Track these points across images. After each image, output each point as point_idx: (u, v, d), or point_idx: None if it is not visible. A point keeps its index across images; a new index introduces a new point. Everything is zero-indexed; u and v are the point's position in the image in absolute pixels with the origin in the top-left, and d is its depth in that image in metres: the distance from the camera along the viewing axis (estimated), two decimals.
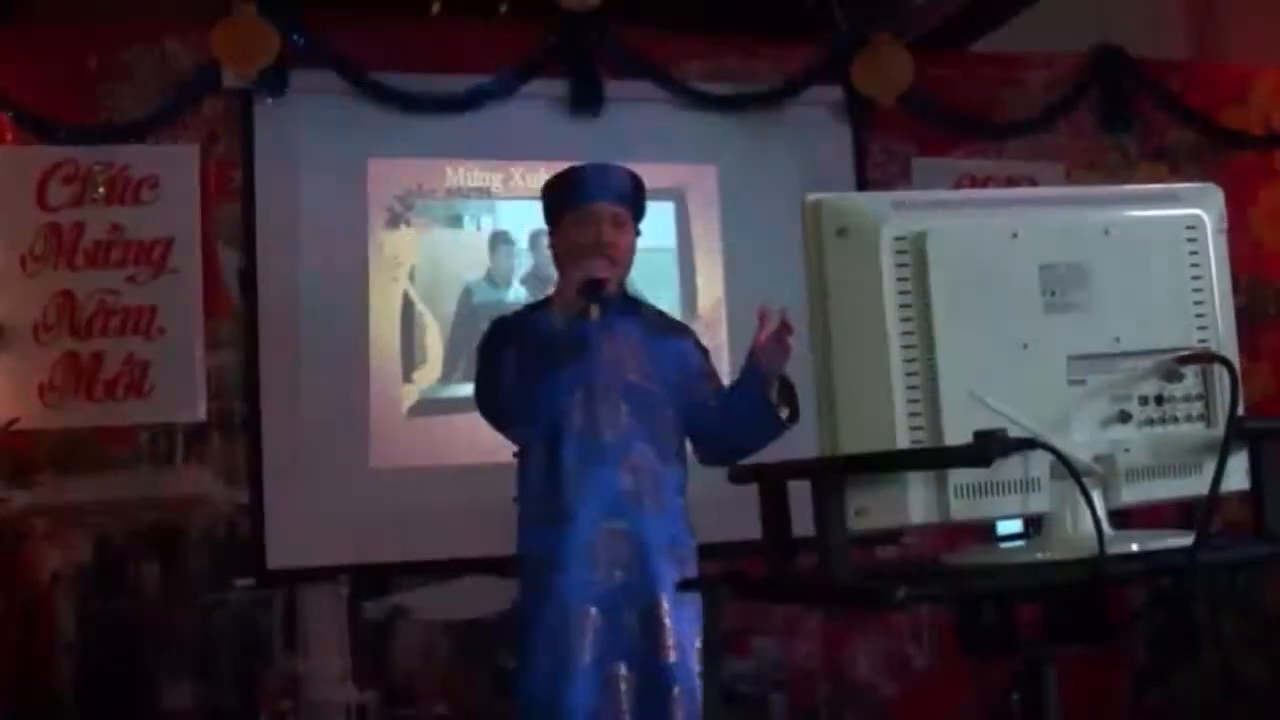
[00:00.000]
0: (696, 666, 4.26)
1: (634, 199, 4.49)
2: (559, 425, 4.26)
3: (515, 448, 4.43)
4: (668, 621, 4.18)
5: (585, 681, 4.12)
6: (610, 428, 4.27)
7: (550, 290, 4.57)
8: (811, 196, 2.28)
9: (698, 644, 4.29)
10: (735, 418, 4.33)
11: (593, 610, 4.16)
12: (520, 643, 4.29)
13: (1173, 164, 7.96)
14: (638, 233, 4.52)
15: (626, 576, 4.20)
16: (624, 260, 4.42)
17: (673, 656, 4.17)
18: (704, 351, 4.63)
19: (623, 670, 4.16)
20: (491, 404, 4.36)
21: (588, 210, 4.37)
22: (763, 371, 4.18)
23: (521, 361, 4.21)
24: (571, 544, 4.19)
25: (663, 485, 4.33)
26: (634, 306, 4.55)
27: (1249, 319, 7.52)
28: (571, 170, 4.51)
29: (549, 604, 4.20)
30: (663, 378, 4.39)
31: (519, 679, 4.28)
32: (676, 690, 4.17)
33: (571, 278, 4.25)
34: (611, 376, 4.32)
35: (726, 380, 4.60)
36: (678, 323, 4.81)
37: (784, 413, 4.23)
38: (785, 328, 4.05)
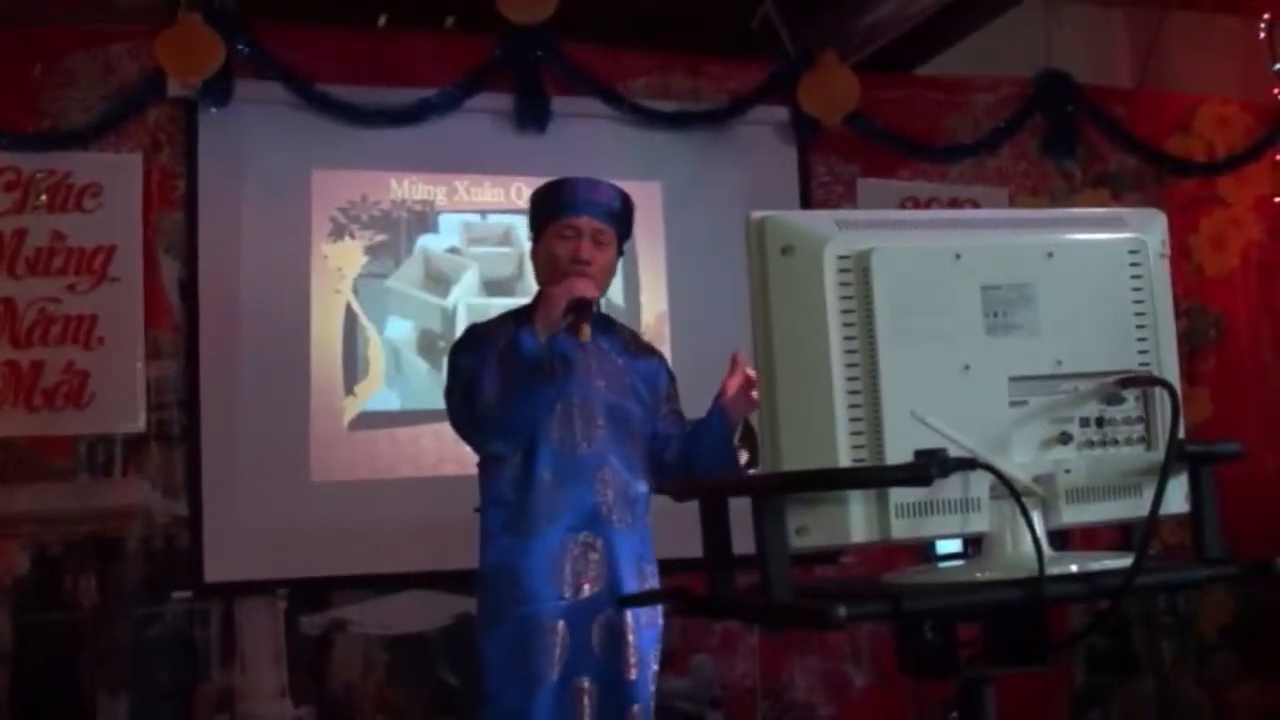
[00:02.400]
0: (652, 686, 4.29)
1: (620, 217, 4.47)
2: (535, 438, 4.24)
3: (470, 460, 4.42)
4: (632, 638, 4.19)
5: (552, 696, 4.11)
6: (586, 442, 4.27)
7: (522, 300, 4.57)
8: (756, 214, 2.28)
9: (655, 667, 4.33)
10: (696, 453, 4.35)
11: (560, 624, 4.15)
12: (483, 654, 4.27)
13: (1115, 190, 8.02)
14: (621, 252, 4.51)
15: (594, 591, 4.19)
16: (602, 278, 4.39)
17: (634, 674, 4.19)
18: (671, 377, 4.63)
19: (586, 684, 4.15)
20: (469, 420, 4.28)
21: (570, 224, 4.34)
22: (728, 417, 4.25)
23: (504, 379, 4.14)
24: (541, 557, 4.18)
25: (633, 502, 4.33)
26: (609, 325, 4.55)
27: (1189, 344, 7.62)
28: (560, 182, 4.47)
29: (515, 616, 4.18)
30: (638, 396, 4.41)
31: (485, 690, 4.26)
32: (636, 707, 4.19)
33: (556, 296, 4.19)
34: (591, 392, 4.31)
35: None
36: (649, 344, 4.79)
37: (744, 458, 4.27)
38: (749, 382, 4.14)
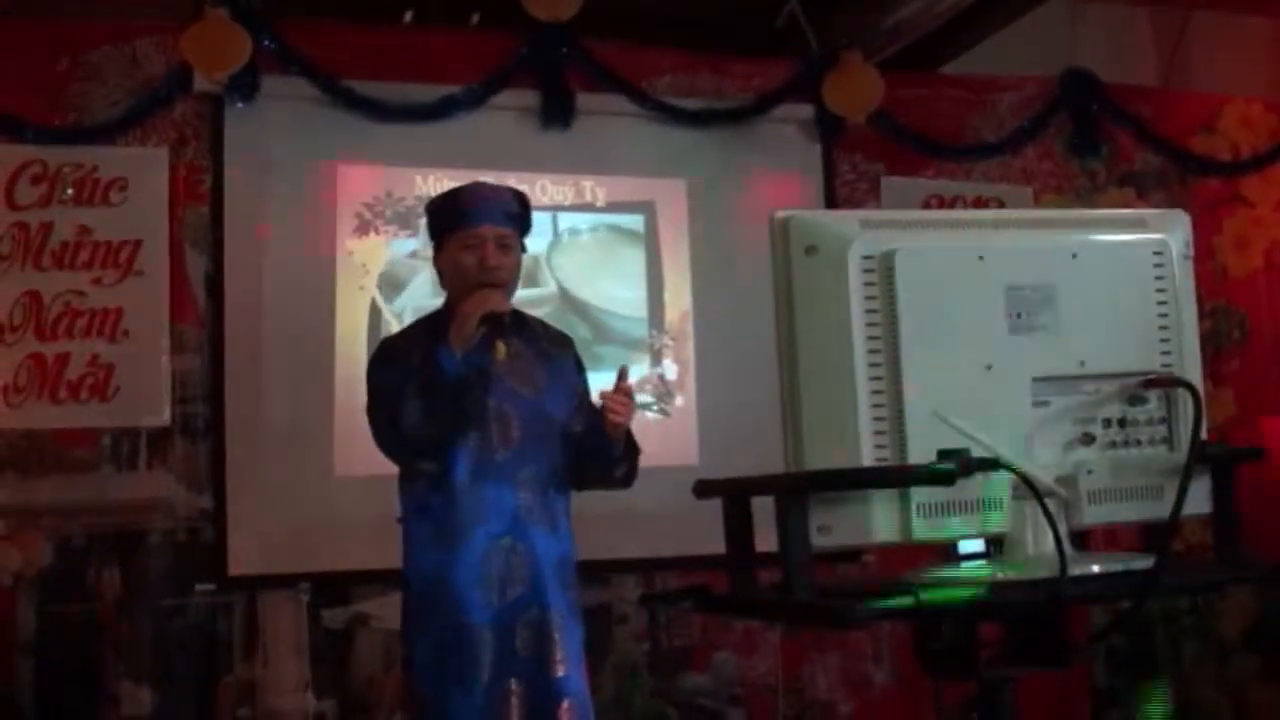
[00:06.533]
0: (586, 679, 4.35)
1: (520, 219, 4.49)
2: (454, 447, 4.29)
3: None
4: (557, 636, 4.23)
5: (482, 699, 4.15)
6: (504, 445, 4.31)
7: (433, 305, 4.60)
8: (780, 213, 2.29)
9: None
10: (581, 456, 4.46)
11: (487, 629, 4.20)
12: (413, 660, 4.31)
13: (1139, 189, 8.00)
14: (523, 249, 4.54)
15: (518, 593, 4.24)
16: (510, 283, 4.43)
17: (561, 670, 4.22)
18: (581, 370, 4.68)
19: (514, 686, 4.19)
20: (396, 441, 4.34)
21: (472, 233, 4.36)
22: (605, 429, 4.35)
23: (428, 401, 4.19)
24: (467, 565, 4.22)
25: (552, 503, 4.38)
26: (521, 323, 4.55)
27: (1213, 345, 7.59)
28: (456, 191, 4.52)
29: (444, 623, 4.22)
30: (554, 396, 4.44)
31: (416, 695, 4.30)
32: (566, 703, 4.22)
33: (468, 312, 4.24)
34: (506, 395, 4.34)
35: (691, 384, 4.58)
36: (561, 336, 4.79)
37: (619, 471, 4.47)
38: (617, 400, 4.29)
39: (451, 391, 4.17)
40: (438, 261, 4.52)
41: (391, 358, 4.42)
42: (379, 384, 4.40)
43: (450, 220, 4.44)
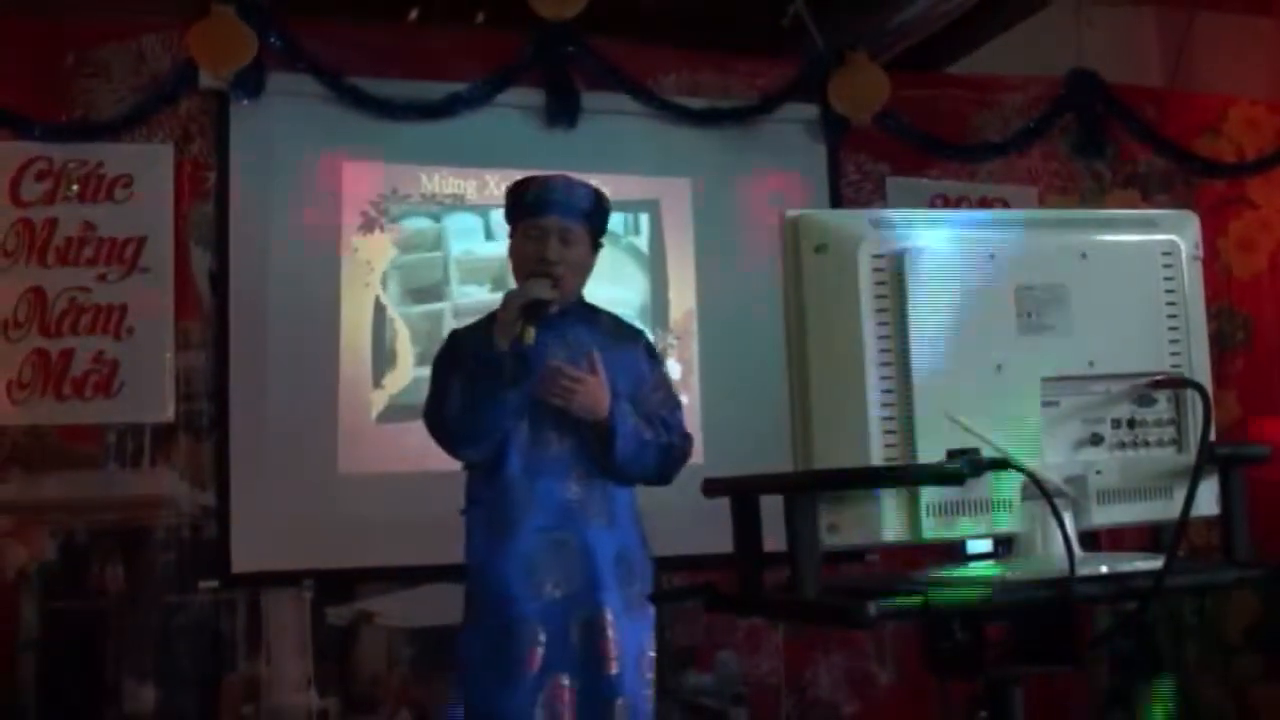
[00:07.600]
0: (647, 676, 4.33)
1: (591, 215, 4.48)
2: (507, 438, 4.29)
3: None
4: (611, 633, 4.22)
5: (530, 694, 4.15)
6: (559, 439, 4.31)
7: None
8: (790, 212, 2.29)
9: (651, 654, 4.37)
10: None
11: (538, 623, 4.19)
12: (463, 653, 4.33)
13: (1145, 191, 7.99)
14: (598, 246, 4.54)
15: (571, 588, 4.24)
16: (571, 277, 4.41)
17: (615, 669, 4.21)
18: (655, 359, 4.67)
19: (566, 682, 4.19)
20: (440, 428, 4.36)
21: (537, 224, 4.38)
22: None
23: (467, 386, 4.22)
24: (516, 557, 4.22)
25: (613, 497, 4.37)
26: (590, 315, 4.56)
27: (1217, 346, 7.58)
28: (531, 180, 4.51)
29: (494, 616, 4.23)
30: (616, 388, 4.37)
31: (464, 689, 4.30)
32: (620, 702, 4.22)
33: (511, 300, 4.26)
34: None
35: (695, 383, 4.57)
36: (632, 329, 4.78)
37: (603, 460, 4.34)
38: (554, 376, 4.23)
39: (487, 377, 4.18)
40: (510, 247, 4.52)
41: (451, 348, 4.48)
42: (436, 372, 4.45)
43: (521, 208, 4.46)
